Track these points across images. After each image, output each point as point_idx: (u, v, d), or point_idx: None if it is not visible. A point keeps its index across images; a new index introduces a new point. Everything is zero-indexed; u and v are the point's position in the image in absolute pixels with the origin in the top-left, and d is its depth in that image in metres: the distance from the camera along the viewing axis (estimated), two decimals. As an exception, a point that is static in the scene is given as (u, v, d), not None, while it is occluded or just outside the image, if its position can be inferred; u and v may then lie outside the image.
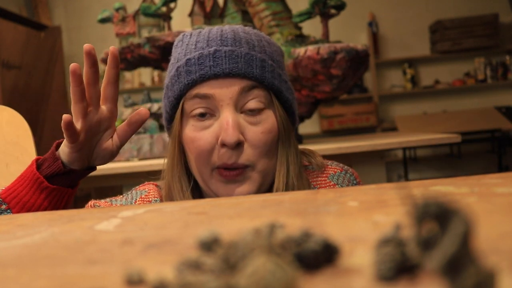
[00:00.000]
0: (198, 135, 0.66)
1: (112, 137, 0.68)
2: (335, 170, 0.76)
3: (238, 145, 0.64)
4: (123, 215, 0.41)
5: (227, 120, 0.63)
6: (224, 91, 0.64)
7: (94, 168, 0.70)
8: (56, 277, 0.25)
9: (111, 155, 0.69)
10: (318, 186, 0.74)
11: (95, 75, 0.62)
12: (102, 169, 1.55)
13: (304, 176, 0.72)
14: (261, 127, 0.66)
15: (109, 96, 0.65)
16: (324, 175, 0.75)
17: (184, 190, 0.70)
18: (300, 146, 0.78)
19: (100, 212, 0.44)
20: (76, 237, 0.34)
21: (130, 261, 0.27)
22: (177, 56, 0.69)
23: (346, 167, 0.77)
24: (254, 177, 0.66)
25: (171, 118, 0.71)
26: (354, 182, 0.75)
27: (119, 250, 0.29)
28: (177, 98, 0.68)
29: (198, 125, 0.66)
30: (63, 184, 0.66)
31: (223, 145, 0.64)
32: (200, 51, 0.66)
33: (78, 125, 0.63)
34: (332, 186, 0.74)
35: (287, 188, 0.68)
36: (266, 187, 0.69)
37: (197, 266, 0.21)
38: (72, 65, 0.59)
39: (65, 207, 0.68)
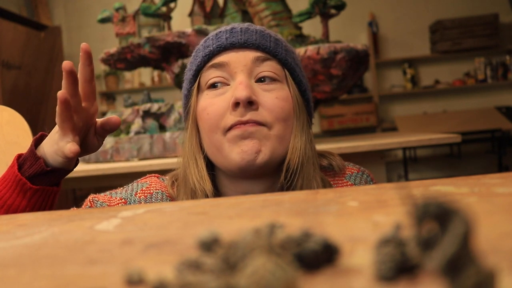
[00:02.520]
0: (211, 101, 0.66)
1: (95, 132, 0.68)
2: (352, 170, 0.76)
3: (251, 105, 0.64)
4: (123, 215, 0.41)
5: (240, 81, 0.65)
6: (238, 59, 0.67)
7: (76, 165, 0.69)
8: (56, 277, 0.25)
9: (95, 149, 0.69)
10: (336, 185, 0.74)
11: (92, 73, 0.63)
12: (102, 169, 1.55)
13: (320, 173, 0.72)
14: (276, 93, 0.66)
15: (89, 93, 0.65)
16: (342, 176, 0.75)
17: (200, 168, 0.68)
18: (319, 147, 0.78)
19: (100, 212, 0.44)
20: (76, 237, 0.34)
21: (130, 261, 0.27)
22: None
23: (362, 168, 0.78)
24: (270, 136, 0.65)
25: (188, 99, 0.71)
26: (371, 183, 0.76)
27: (119, 250, 0.29)
28: (195, 73, 0.69)
29: (212, 94, 0.67)
30: (47, 183, 0.65)
31: (236, 104, 0.64)
32: (217, 31, 0.70)
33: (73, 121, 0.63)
34: (350, 186, 0.74)
35: (299, 165, 0.67)
36: (279, 158, 0.67)
37: (197, 266, 0.21)
38: (67, 63, 0.60)
39: (51, 207, 0.66)
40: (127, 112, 1.86)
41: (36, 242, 0.33)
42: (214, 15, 1.93)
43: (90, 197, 0.72)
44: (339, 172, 0.75)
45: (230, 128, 0.64)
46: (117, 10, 1.97)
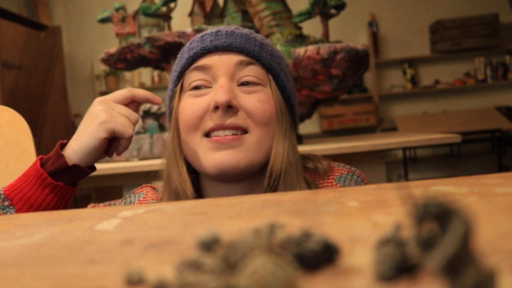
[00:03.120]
0: (191, 101, 0.67)
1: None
2: (342, 172, 0.75)
3: (231, 109, 0.64)
4: (123, 215, 0.41)
5: (221, 84, 0.65)
6: (222, 62, 0.67)
7: (95, 168, 0.71)
8: (56, 277, 0.25)
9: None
10: (325, 188, 0.73)
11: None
12: (102, 169, 1.55)
13: (305, 176, 0.71)
14: (257, 96, 0.66)
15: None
16: (331, 177, 0.74)
17: (181, 170, 0.68)
18: (303, 148, 0.77)
19: (100, 212, 0.44)
20: (76, 237, 0.34)
21: (130, 261, 0.27)
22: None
23: (353, 168, 0.76)
24: (249, 144, 0.65)
25: (171, 99, 0.72)
26: (362, 184, 0.75)
27: (119, 250, 0.29)
28: (179, 74, 0.70)
29: (193, 94, 0.67)
30: (66, 181, 0.67)
31: (216, 107, 0.64)
32: (203, 33, 0.70)
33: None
34: (339, 188, 0.73)
35: (282, 171, 0.67)
36: (258, 163, 0.67)
37: (197, 266, 0.21)
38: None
39: (65, 206, 0.68)
40: (127, 112, 1.85)
41: (36, 242, 0.33)
42: (214, 15, 1.93)
43: (90, 206, 0.73)
44: (326, 174, 0.74)
45: (210, 131, 0.65)
46: (117, 10, 1.97)
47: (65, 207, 0.68)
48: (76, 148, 0.66)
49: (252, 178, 0.68)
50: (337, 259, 0.23)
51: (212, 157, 0.64)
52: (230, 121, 0.64)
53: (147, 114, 1.80)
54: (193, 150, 0.67)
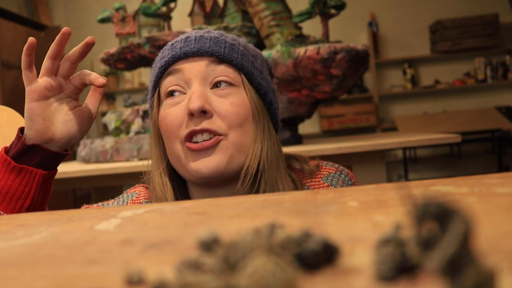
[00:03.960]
0: (169, 111, 0.68)
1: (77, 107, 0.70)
2: (330, 171, 0.75)
3: (206, 114, 0.65)
4: (123, 215, 0.41)
5: (193, 90, 0.66)
6: (192, 65, 0.68)
7: (65, 152, 0.70)
8: (56, 277, 0.25)
9: (88, 119, 0.70)
10: (312, 187, 0.73)
11: (82, 56, 0.70)
12: (102, 169, 1.55)
13: (290, 174, 0.72)
14: (230, 99, 0.67)
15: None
16: (319, 176, 0.74)
17: (162, 177, 0.70)
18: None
19: (100, 212, 0.44)
20: (76, 237, 0.34)
21: (130, 261, 0.27)
22: None
23: (341, 167, 0.77)
24: (226, 146, 0.66)
25: (151, 109, 0.73)
26: (349, 183, 0.75)
27: (119, 250, 0.29)
28: (154, 84, 0.72)
29: (170, 103, 0.68)
30: (31, 163, 0.67)
31: (191, 115, 0.65)
32: (173, 41, 0.72)
33: (44, 80, 0.68)
34: (326, 187, 0.73)
35: (259, 171, 0.67)
36: (239, 165, 0.67)
37: (197, 266, 0.21)
38: (66, 28, 0.68)
39: (40, 191, 0.67)
40: (127, 112, 1.86)
41: (36, 242, 0.33)
42: (214, 15, 1.93)
43: (83, 207, 0.73)
44: (314, 174, 0.74)
45: (186, 138, 0.66)
46: (117, 10, 1.97)
47: (40, 192, 0.67)
48: (27, 126, 0.67)
49: (235, 180, 0.69)
50: (337, 259, 0.23)
51: (194, 165, 0.66)
52: (203, 125, 0.65)
53: (147, 114, 1.80)
54: (176, 158, 0.68)
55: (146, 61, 1.92)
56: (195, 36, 0.69)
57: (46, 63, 0.68)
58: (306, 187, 0.73)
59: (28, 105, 0.66)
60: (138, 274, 0.22)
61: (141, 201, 0.73)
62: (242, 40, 0.73)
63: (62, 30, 0.67)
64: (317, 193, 0.45)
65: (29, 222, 0.42)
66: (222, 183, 0.68)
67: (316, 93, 1.71)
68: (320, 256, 0.22)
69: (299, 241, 0.23)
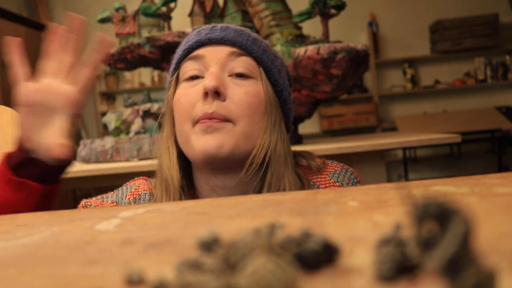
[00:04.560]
0: (185, 91, 0.69)
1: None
2: (336, 168, 0.76)
3: (219, 96, 0.66)
4: (123, 215, 0.41)
5: (211, 71, 0.67)
6: (214, 52, 0.69)
7: (65, 165, 0.68)
8: (56, 277, 0.25)
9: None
10: (319, 183, 0.74)
11: (73, 43, 0.68)
12: (102, 169, 1.55)
13: (296, 171, 0.72)
14: (245, 88, 0.68)
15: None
16: (325, 173, 0.75)
17: (171, 156, 0.70)
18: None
19: (100, 212, 0.44)
20: (76, 237, 0.34)
21: (130, 261, 0.27)
22: None
23: (346, 166, 0.78)
24: (233, 132, 0.66)
25: (168, 90, 0.74)
26: (355, 181, 0.76)
27: (119, 250, 0.29)
28: (175, 66, 0.73)
29: (187, 85, 0.70)
30: (30, 176, 0.64)
31: (206, 94, 0.66)
32: (200, 28, 0.73)
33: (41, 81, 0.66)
34: (332, 184, 0.74)
35: (264, 162, 0.68)
36: (245, 153, 0.68)
37: (197, 266, 0.21)
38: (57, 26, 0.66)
39: (40, 207, 0.64)
40: (127, 112, 1.86)
41: (36, 242, 0.33)
42: (214, 15, 1.93)
43: (83, 202, 0.73)
44: (320, 170, 0.75)
45: (198, 120, 0.66)
46: (117, 10, 1.97)
47: (39, 207, 0.64)
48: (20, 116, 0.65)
49: (239, 170, 0.69)
50: (337, 259, 0.23)
51: (200, 140, 0.66)
52: (215, 109, 0.65)
53: (147, 114, 1.80)
54: (185, 137, 0.68)
55: (146, 61, 1.92)
56: (221, 26, 0.72)
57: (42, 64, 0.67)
58: (312, 183, 0.74)
59: (18, 107, 0.64)
60: (138, 274, 0.22)
61: (140, 193, 0.73)
62: (266, 42, 0.75)
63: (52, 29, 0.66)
64: (317, 193, 0.45)
65: (29, 222, 0.42)
66: (226, 170, 0.68)
67: (316, 93, 1.71)
68: (320, 256, 0.22)
69: (299, 241, 0.23)
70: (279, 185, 0.69)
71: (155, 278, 0.21)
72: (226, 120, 0.66)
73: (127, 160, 1.74)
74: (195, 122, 0.66)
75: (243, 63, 0.69)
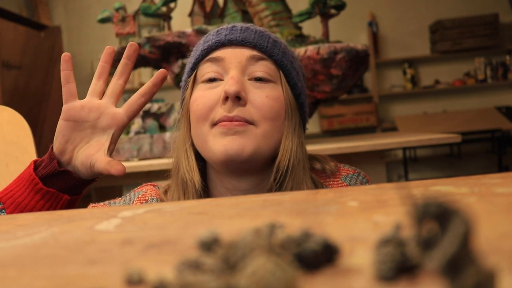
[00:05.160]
0: (203, 93, 0.68)
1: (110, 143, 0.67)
2: (348, 172, 0.76)
3: (240, 101, 0.65)
4: (123, 215, 0.41)
5: (231, 75, 0.66)
6: (234, 55, 0.68)
7: (92, 179, 0.68)
8: (56, 277, 0.25)
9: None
10: (331, 186, 0.74)
11: (128, 69, 0.69)
12: (102, 169, 1.55)
13: (311, 175, 0.72)
14: (266, 92, 0.67)
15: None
16: (338, 177, 0.75)
17: (189, 159, 0.69)
18: (319, 147, 0.78)
19: (100, 212, 0.44)
20: (76, 237, 0.34)
21: (130, 261, 0.27)
22: None
23: (358, 170, 0.78)
24: (255, 134, 0.65)
25: (184, 90, 0.73)
26: (366, 184, 0.76)
27: (119, 250, 0.29)
28: (193, 66, 0.71)
29: (205, 87, 0.68)
30: (58, 187, 0.65)
31: (226, 98, 0.65)
32: (219, 28, 0.72)
33: (90, 100, 0.66)
34: (345, 187, 0.74)
35: (288, 168, 0.67)
36: (264, 156, 0.67)
37: (197, 266, 0.21)
38: (110, 47, 0.68)
39: None
40: (127, 112, 1.85)
41: (36, 242, 0.33)
42: (214, 15, 1.93)
43: (90, 206, 0.73)
44: (334, 174, 0.75)
45: (217, 122, 0.65)
46: (117, 10, 1.97)
47: None
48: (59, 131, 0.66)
49: (258, 173, 0.69)
50: (337, 259, 0.23)
51: (220, 142, 0.64)
52: (236, 113, 0.64)
53: (147, 114, 1.80)
54: (202, 138, 0.67)
55: (146, 61, 1.92)
56: (241, 27, 0.70)
57: (92, 83, 0.68)
58: (325, 186, 0.74)
59: (59, 121, 0.66)
60: (138, 274, 0.22)
61: (147, 199, 0.73)
62: (284, 42, 0.74)
63: (106, 50, 0.68)
64: (317, 193, 0.45)
65: (29, 222, 0.42)
66: (245, 172, 0.68)
67: (316, 93, 1.71)
68: (320, 256, 0.22)
69: (299, 241, 0.23)
70: (298, 190, 0.67)
71: (155, 278, 0.21)
72: (248, 122, 0.65)
73: (127, 160, 1.74)
74: (214, 124, 0.66)
75: (263, 67, 0.68)
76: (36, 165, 0.65)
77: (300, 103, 0.72)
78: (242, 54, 0.68)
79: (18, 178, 0.66)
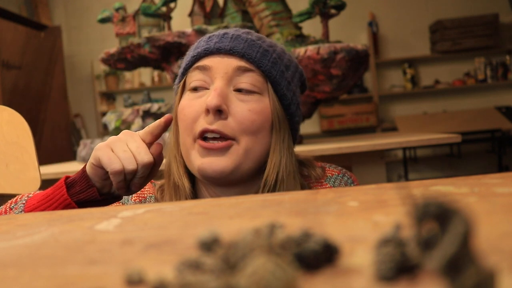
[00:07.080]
0: (189, 102, 0.68)
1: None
2: (333, 172, 0.76)
3: (221, 114, 0.65)
4: (123, 215, 0.41)
5: (215, 87, 0.66)
6: (221, 65, 0.67)
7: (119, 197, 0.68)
8: (56, 277, 0.25)
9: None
10: (315, 188, 0.74)
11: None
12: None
13: (301, 181, 0.72)
14: (250, 105, 0.67)
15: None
16: (322, 179, 0.75)
17: (178, 165, 0.70)
18: (303, 149, 0.78)
19: (100, 212, 0.44)
20: (76, 237, 0.34)
21: (130, 261, 0.27)
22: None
23: (344, 170, 0.78)
24: (236, 151, 0.65)
25: (176, 95, 0.74)
26: (352, 185, 0.76)
27: (119, 250, 0.29)
28: (183, 71, 0.72)
29: (192, 96, 0.69)
30: (84, 203, 0.63)
31: (207, 111, 0.65)
32: (211, 34, 0.72)
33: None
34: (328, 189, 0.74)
35: (277, 181, 0.67)
36: (247, 170, 0.67)
37: (197, 266, 0.21)
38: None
39: None
40: (127, 112, 1.86)
41: (36, 242, 0.33)
42: (214, 15, 1.93)
43: None
44: (317, 180, 0.75)
45: (199, 136, 0.66)
46: (117, 10, 1.97)
47: None
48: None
49: (244, 183, 0.70)
50: (337, 259, 0.23)
51: (199, 160, 0.65)
52: (217, 126, 0.65)
53: (147, 114, 1.80)
54: (186, 150, 0.68)
55: (146, 61, 1.92)
56: (233, 34, 0.69)
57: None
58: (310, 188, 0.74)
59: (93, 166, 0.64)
60: (138, 274, 0.22)
61: (145, 195, 0.74)
62: (280, 48, 0.72)
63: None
64: (317, 193, 0.45)
65: (29, 222, 0.42)
66: (229, 184, 0.69)
67: (316, 93, 1.71)
68: (320, 256, 0.22)
69: (299, 241, 0.23)
70: None
71: (155, 278, 0.21)
72: (228, 138, 0.65)
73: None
74: (196, 138, 0.66)
75: (249, 79, 0.67)
76: (67, 185, 0.63)
77: (290, 113, 0.71)
78: (229, 64, 0.67)
79: (47, 196, 0.63)
